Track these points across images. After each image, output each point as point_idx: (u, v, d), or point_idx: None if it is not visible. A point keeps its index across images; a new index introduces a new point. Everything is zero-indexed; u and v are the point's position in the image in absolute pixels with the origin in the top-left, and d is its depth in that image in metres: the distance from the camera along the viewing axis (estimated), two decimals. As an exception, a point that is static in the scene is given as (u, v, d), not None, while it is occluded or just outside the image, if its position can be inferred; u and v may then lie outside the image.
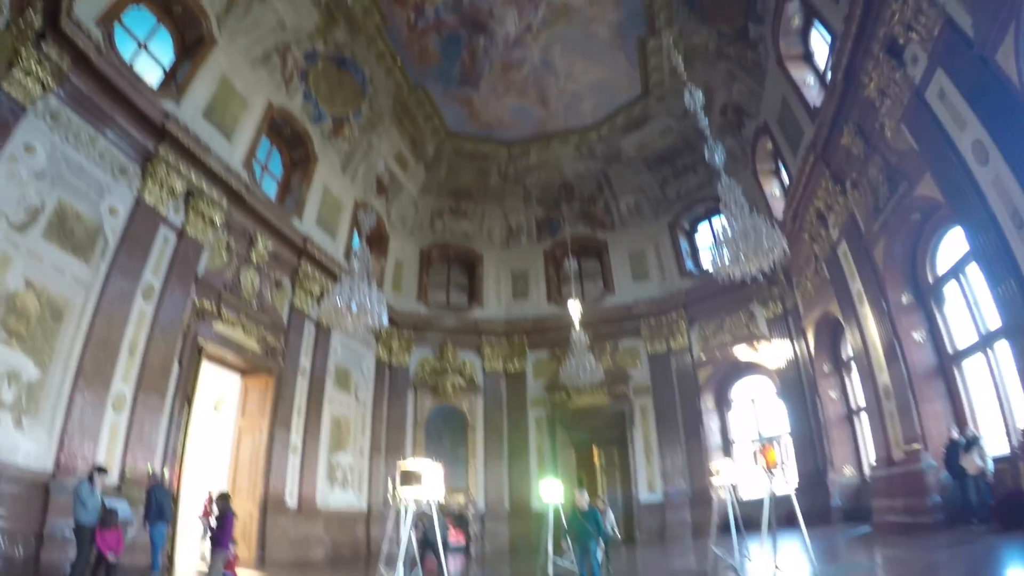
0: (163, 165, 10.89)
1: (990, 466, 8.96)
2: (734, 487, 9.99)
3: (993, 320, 9.43)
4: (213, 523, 8.30)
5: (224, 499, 8.31)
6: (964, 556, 7.47)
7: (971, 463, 9.04)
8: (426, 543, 9.82)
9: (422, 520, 10.50)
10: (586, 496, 9.18)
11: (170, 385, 10.65)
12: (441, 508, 7.95)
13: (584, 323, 15.85)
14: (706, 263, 18.95)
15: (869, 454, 14.03)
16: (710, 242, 18.67)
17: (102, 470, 7.82)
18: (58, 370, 8.76)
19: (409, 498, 6.93)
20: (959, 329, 10.62)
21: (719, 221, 18.48)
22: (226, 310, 12.23)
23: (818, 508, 13.89)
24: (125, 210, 10.23)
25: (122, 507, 8.20)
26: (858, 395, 14.46)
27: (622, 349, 19.51)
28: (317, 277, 15.19)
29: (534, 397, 19.85)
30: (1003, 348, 9.20)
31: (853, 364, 14.21)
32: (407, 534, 7.05)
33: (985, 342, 9.76)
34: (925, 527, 9.76)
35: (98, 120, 9.92)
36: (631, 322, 19.35)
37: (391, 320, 18.00)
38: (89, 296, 9.34)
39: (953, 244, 10.51)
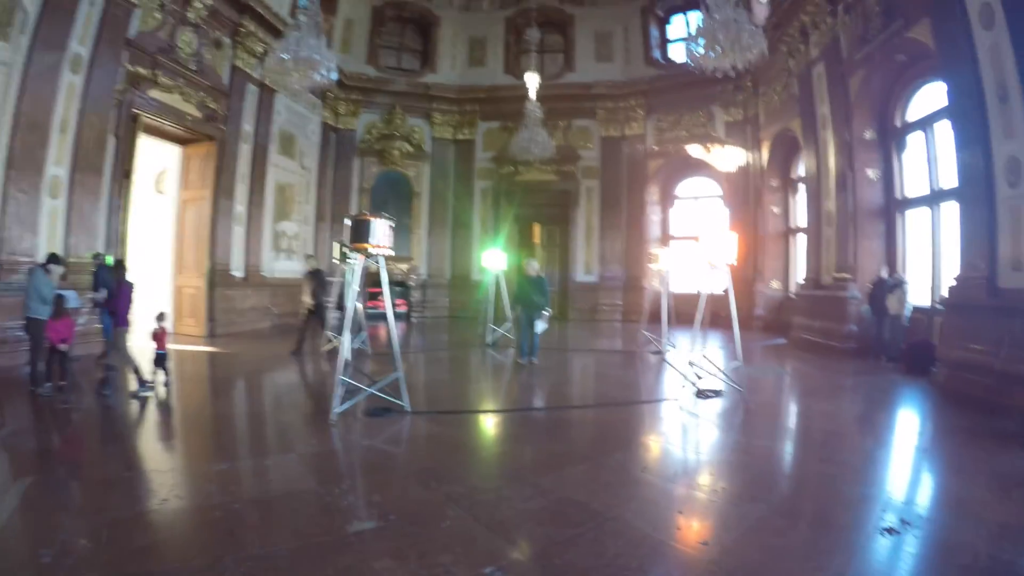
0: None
1: (908, 310, 9.93)
2: (668, 276, 10.89)
3: (947, 180, 9.66)
4: (99, 296, 7.54)
5: (119, 268, 7.63)
6: (865, 384, 8.47)
7: (893, 303, 9.97)
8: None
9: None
10: (535, 265, 9.79)
11: (107, 162, 10.01)
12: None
13: (540, 97, 15.35)
14: (675, 55, 18.14)
15: (798, 273, 15.12)
16: (682, 35, 17.74)
17: (56, 259, 7.35)
18: (-15, 163, 8.06)
19: (359, 255, 6.47)
20: (911, 179, 10.91)
21: (695, 16, 17.72)
22: (162, 75, 11.10)
23: (741, 314, 15.01)
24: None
25: (71, 295, 7.99)
26: (799, 215, 15.13)
27: (575, 128, 19.17)
28: (260, 35, 13.71)
29: (482, 168, 19.75)
30: (950, 209, 9.57)
31: (801, 186, 14.63)
32: (353, 297, 7.06)
33: (934, 198, 10.14)
34: (836, 352, 10.91)
35: None
36: (588, 102, 18.79)
37: (339, 82, 16.99)
38: (12, 77, 8.28)
39: (929, 97, 10.32)
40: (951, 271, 9.10)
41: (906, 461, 5.18)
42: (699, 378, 7.73)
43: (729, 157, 16.74)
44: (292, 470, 4.56)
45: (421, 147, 19.31)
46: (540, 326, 9.55)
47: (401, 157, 18.96)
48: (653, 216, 18.82)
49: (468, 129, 19.68)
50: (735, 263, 7.52)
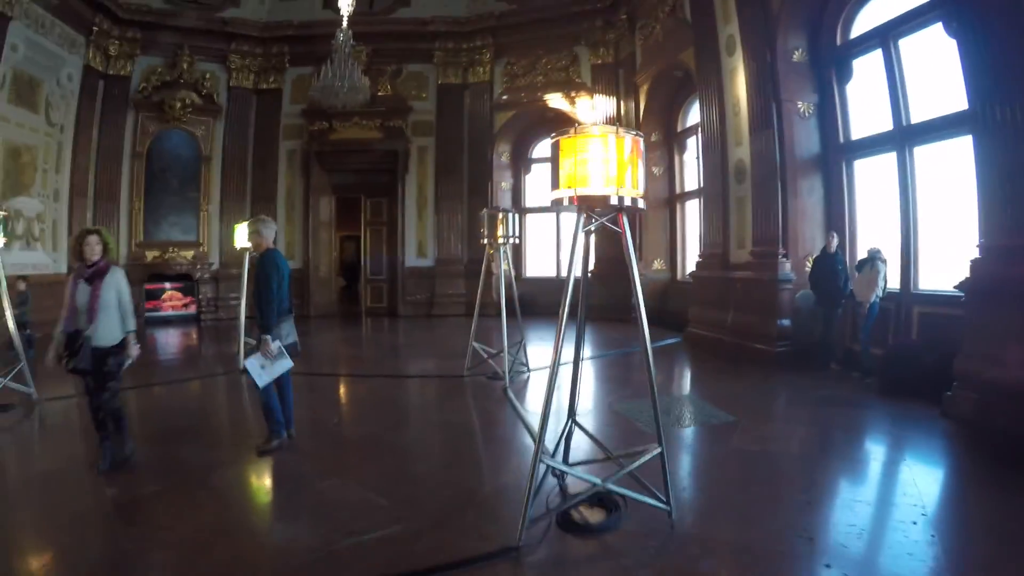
0: None
1: (877, 297, 7.14)
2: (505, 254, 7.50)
3: (923, 111, 7.34)
4: None
5: None
6: (860, 428, 5.49)
7: (862, 287, 7.24)
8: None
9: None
10: (265, 230, 4.94)
11: None
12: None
13: (365, 35, 12.45)
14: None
15: (688, 249, 12.68)
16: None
17: None
18: None
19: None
20: (860, 116, 8.54)
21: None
22: None
23: (616, 302, 12.57)
24: None
25: None
26: (687, 176, 12.73)
27: (407, 74, 15.51)
28: None
29: (290, 125, 15.44)
30: (933, 152, 7.30)
31: (690, 141, 12.25)
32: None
33: (901, 139, 7.62)
34: (762, 356, 8.12)
35: None
36: (424, 43, 15.22)
37: (111, 15, 12.89)
38: None
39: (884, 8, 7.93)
40: (954, 240, 6.75)
41: None
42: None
43: (597, 107, 14.03)
44: None
45: (214, 98, 14.77)
46: (276, 368, 4.65)
47: (186, 111, 14.28)
48: (503, 183, 15.72)
49: (275, 76, 15.36)
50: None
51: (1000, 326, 5.18)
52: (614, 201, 2.73)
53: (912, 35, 7.42)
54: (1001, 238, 5.39)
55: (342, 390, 7.39)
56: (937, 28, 6.81)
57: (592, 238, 13.86)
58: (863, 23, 8.29)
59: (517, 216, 7.61)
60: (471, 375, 7.33)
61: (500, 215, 7.32)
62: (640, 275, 10.64)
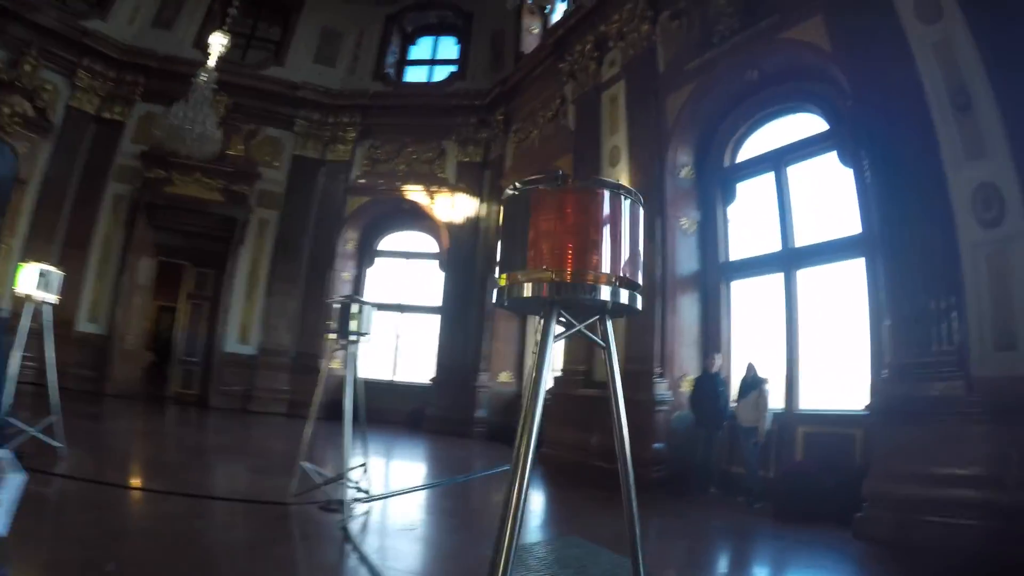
0: None
1: (768, 422, 6.78)
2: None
3: (807, 235, 7.39)
4: None
5: None
6: (769, 562, 5.13)
7: (747, 411, 6.83)
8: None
9: None
10: None
11: None
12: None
13: (229, 85, 11.55)
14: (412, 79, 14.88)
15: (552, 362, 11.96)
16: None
17: None
18: None
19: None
20: (742, 237, 8.43)
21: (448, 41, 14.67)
22: None
23: (459, 415, 11.65)
24: None
25: None
26: None
27: (263, 138, 13.97)
28: None
29: (124, 165, 13.04)
30: (815, 275, 7.30)
31: None
32: None
33: (787, 261, 7.55)
34: (636, 482, 7.24)
35: None
36: (289, 107, 13.93)
37: None
38: None
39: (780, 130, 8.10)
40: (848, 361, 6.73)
41: None
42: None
43: (457, 206, 13.28)
44: None
45: (47, 114, 12.19)
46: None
47: (14, 120, 11.53)
48: (344, 272, 14.21)
49: (122, 107, 13.12)
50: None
51: (913, 444, 5.09)
52: (605, 296, 1.70)
53: (802, 162, 7.53)
54: (911, 356, 5.33)
55: (127, 511, 5.28)
56: (830, 157, 6.93)
57: (438, 341, 13.44)
58: (750, 148, 8.39)
59: (372, 310, 6.18)
60: (299, 503, 5.64)
61: (355, 307, 5.91)
62: (484, 388, 9.43)
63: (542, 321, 1.87)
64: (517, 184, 1.86)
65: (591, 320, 1.89)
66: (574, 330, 1.86)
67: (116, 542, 3.93)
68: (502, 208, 1.95)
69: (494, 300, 1.93)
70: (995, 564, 4.22)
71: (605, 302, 1.77)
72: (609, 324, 1.90)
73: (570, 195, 1.77)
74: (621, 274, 1.78)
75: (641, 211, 1.89)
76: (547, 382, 1.86)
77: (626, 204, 1.81)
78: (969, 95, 5.25)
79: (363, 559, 4.14)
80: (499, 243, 1.97)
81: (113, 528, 4.27)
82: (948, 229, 5.20)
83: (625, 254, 1.80)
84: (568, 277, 1.71)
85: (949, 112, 5.34)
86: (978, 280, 5.04)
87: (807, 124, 7.58)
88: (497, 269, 1.92)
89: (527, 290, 1.77)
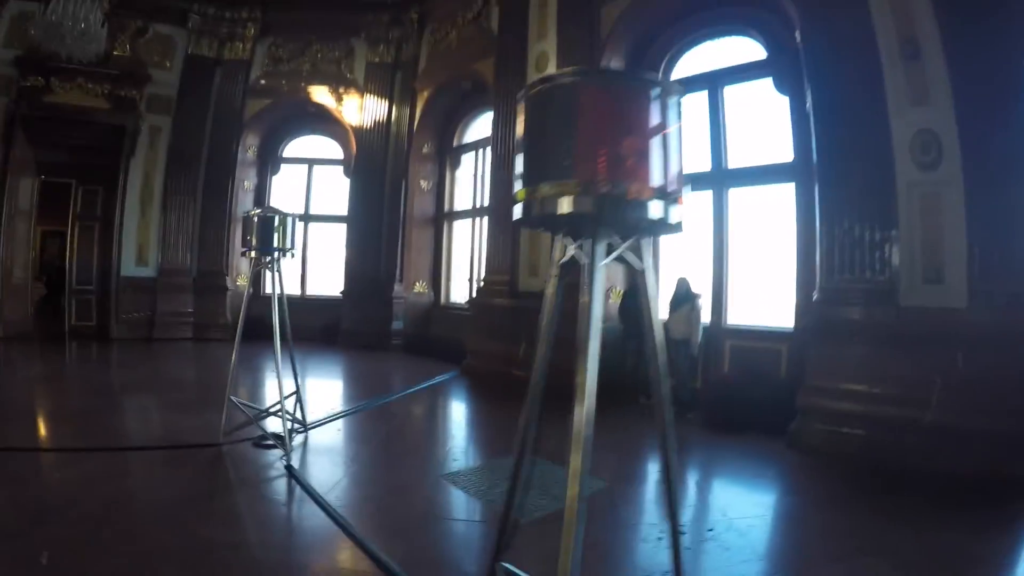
0: None
1: (699, 335, 6.86)
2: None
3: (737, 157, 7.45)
4: None
5: None
6: (711, 466, 5.31)
7: (679, 324, 6.85)
8: None
9: None
10: None
11: None
12: None
13: None
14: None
15: (453, 273, 12.12)
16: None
17: None
18: None
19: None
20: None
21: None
22: None
23: (374, 328, 11.45)
24: None
25: None
26: (458, 193, 12.13)
27: (153, 35, 12.27)
28: None
29: None
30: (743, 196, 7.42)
31: (466, 157, 11.86)
32: None
33: (718, 180, 7.49)
34: (566, 393, 7.23)
35: None
36: (182, 1, 12.30)
37: None
38: None
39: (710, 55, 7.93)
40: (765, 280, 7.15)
41: None
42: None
43: (367, 109, 12.48)
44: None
45: None
46: None
47: None
48: (246, 181, 13.24)
49: None
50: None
51: (845, 363, 5.39)
52: (656, 213, 1.49)
53: (738, 84, 7.45)
54: (841, 282, 5.57)
55: (44, 481, 4.27)
56: (765, 83, 6.91)
57: (346, 252, 13.07)
58: (684, 67, 8.18)
59: (296, 222, 5.64)
60: (230, 443, 5.24)
61: (277, 220, 5.35)
62: (400, 299, 9.03)
63: (564, 241, 1.67)
64: (548, 77, 1.60)
65: (629, 242, 1.69)
66: (616, 252, 1.66)
67: (39, 525, 3.35)
68: (526, 106, 1.67)
69: (517, 216, 1.70)
70: (919, 475, 4.55)
71: (653, 220, 1.57)
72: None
73: (625, 93, 1.52)
74: (670, 189, 1.58)
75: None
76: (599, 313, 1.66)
77: (681, 109, 1.59)
78: (918, 43, 5.24)
79: (317, 500, 3.89)
80: (522, 150, 1.70)
81: (31, 506, 3.62)
82: (886, 167, 5.31)
83: (674, 167, 1.60)
84: (625, 191, 1.48)
85: (897, 57, 5.33)
86: (911, 217, 5.22)
87: (743, 48, 7.47)
88: (520, 181, 1.68)
89: (564, 205, 1.54)
